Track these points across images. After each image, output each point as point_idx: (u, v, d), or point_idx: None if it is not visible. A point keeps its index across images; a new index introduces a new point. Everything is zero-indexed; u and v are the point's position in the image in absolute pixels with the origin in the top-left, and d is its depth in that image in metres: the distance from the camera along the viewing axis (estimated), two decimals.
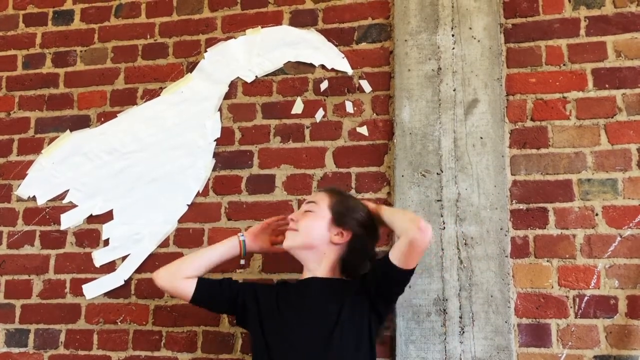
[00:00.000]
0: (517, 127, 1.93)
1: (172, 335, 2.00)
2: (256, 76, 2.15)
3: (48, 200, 2.20)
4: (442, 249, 1.84)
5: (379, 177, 1.98)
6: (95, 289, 2.08)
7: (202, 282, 1.63)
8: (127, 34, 2.30)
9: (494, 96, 1.91)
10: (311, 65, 2.11)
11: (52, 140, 2.25)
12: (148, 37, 2.28)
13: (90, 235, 2.14)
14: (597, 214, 1.83)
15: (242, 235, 1.70)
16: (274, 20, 2.19)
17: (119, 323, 2.05)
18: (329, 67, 2.09)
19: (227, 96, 2.16)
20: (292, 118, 2.09)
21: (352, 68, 2.07)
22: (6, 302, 2.14)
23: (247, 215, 2.04)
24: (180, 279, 1.62)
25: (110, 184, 2.16)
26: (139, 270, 2.07)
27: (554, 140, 1.90)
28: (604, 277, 1.78)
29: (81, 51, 2.32)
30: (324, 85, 2.08)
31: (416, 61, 1.99)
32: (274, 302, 1.58)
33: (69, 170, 2.21)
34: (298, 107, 2.09)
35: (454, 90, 1.94)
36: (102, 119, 2.24)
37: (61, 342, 2.07)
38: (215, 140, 2.12)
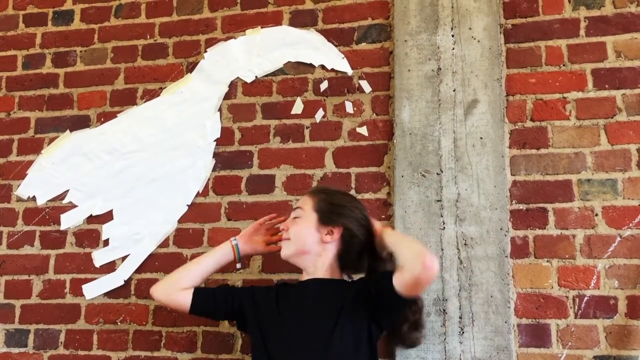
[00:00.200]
0: (517, 127, 1.93)
1: (172, 335, 2.00)
2: (256, 76, 2.15)
3: (48, 201, 2.20)
4: (442, 249, 1.84)
5: (378, 177, 1.98)
6: (95, 289, 2.08)
7: (198, 292, 1.63)
8: (127, 34, 2.30)
9: (493, 96, 1.91)
10: (311, 66, 2.11)
11: (52, 140, 2.25)
12: (148, 37, 2.28)
13: (90, 235, 2.14)
14: (596, 214, 1.83)
15: (235, 240, 1.70)
16: (274, 20, 2.19)
17: (119, 323, 2.05)
18: (329, 68, 2.09)
19: (227, 96, 2.16)
20: (292, 118, 2.09)
21: (352, 68, 2.07)
22: (6, 302, 2.14)
23: (247, 215, 2.04)
24: (177, 291, 1.62)
25: (110, 184, 2.17)
26: (138, 270, 2.07)
27: (553, 141, 1.90)
28: (604, 277, 1.78)
29: (81, 51, 2.32)
30: (323, 86, 2.08)
31: (416, 61, 1.99)
32: (274, 303, 1.58)
33: (69, 170, 2.21)
34: (298, 108, 2.09)
35: (454, 90, 1.94)
36: (102, 119, 2.24)
37: (61, 342, 2.07)
38: (215, 141, 2.12)
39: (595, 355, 1.74)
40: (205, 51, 2.20)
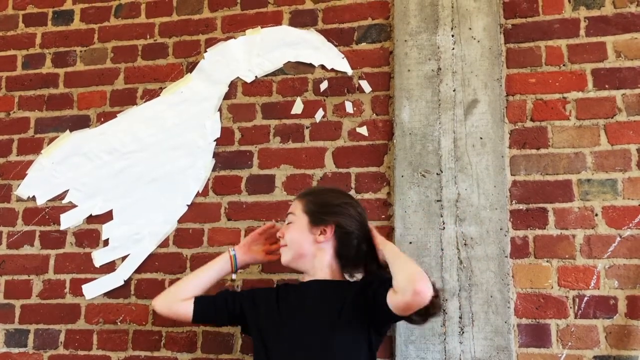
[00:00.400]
0: (517, 127, 1.93)
1: (171, 335, 2.00)
2: (256, 76, 2.15)
3: (48, 200, 2.20)
4: (442, 249, 1.84)
5: (378, 177, 1.98)
6: (94, 289, 2.08)
7: (199, 300, 1.64)
8: (127, 34, 2.30)
9: (493, 96, 1.91)
10: (311, 66, 2.11)
11: (51, 140, 2.25)
12: (148, 37, 2.28)
13: (90, 235, 2.14)
14: (596, 215, 1.83)
15: (233, 250, 1.71)
16: (274, 20, 2.19)
17: (119, 323, 2.05)
18: (329, 68, 2.09)
19: (227, 96, 2.16)
20: (291, 118, 2.09)
21: (352, 68, 2.07)
22: (6, 303, 2.14)
23: (247, 215, 2.04)
24: (178, 302, 1.64)
25: (110, 184, 2.17)
26: (138, 270, 2.07)
27: (553, 141, 1.90)
28: (604, 277, 1.78)
29: (81, 51, 2.32)
30: (323, 86, 2.08)
31: (416, 61, 1.99)
32: (274, 304, 1.58)
33: (69, 170, 2.21)
34: (298, 108, 2.09)
35: (454, 90, 1.94)
36: (102, 119, 2.24)
37: (61, 342, 2.07)
38: (215, 141, 2.12)
39: (595, 355, 1.74)
40: (205, 51, 2.20)
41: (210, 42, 2.21)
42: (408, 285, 1.35)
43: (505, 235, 1.82)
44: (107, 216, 2.14)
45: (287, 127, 2.09)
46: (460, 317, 1.78)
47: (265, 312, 1.57)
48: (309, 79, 2.11)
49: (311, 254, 1.57)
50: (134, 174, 2.16)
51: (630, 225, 1.80)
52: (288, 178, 2.04)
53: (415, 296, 1.33)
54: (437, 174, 1.90)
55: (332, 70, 2.09)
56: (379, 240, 1.59)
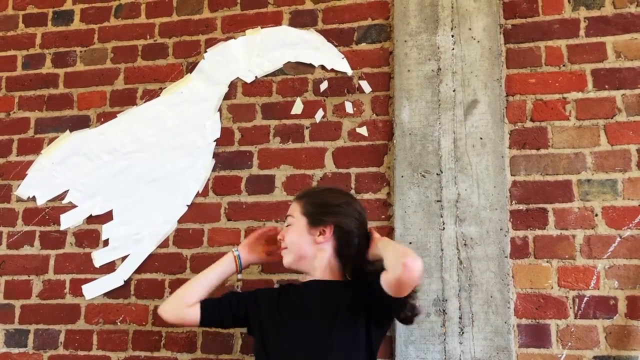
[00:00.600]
0: (517, 127, 1.93)
1: (171, 335, 2.00)
2: (256, 76, 2.15)
3: (48, 201, 2.20)
4: (442, 250, 1.84)
5: (378, 177, 1.98)
6: (94, 289, 2.08)
7: (205, 304, 1.63)
8: (127, 34, 2.30)
9: (493, 97, 1.91)
10: (311, 66, 2.11)
11: (51, 140, 2.25)
12: (148, 37, 2.28)
13: (90, 235, 2.14)
14: (596, 215, 1.83)
15: (237, 251, 1.69)
16: (274, 20, 2.19)
17: (119, 323, 2.05)
18: (329, 68, 2.09)
19: (227, 96, 2.16)
20: (291, 118, 2.09)
21: (352, 68, 2.07)
22: (6, 303, 2.14)
23: (247, 215, 2.04)
24: (185, 308, 1.62)
25: (110, 184, 2.17)
26: (138, 270, 2.07)
27: (553, 141, 1.90)
28: (604, 277, 1.78)
29: (81, 51, 2.32)
30: (323, 86, 2.08)
31: (416, 62, 1.99)
32: (274, 304, 1.58)
33: (69, 170, 2.21)
34: (298, 108, 2.09)
35: (454, 90, 1.94)
36: (102, 119, 2.24)
37: (61, 342, 2.07)
38: (215, 141, 2.12)
39: (595, 355, 1.74)
40: (205, 51, 2.20)
41: (210, 43, 2.21)
42: (397, 261, 1.36)
43: (505, 236, 1.82)
44: (107, 216, 2.14)
45: (287, 127, 2.09)
46: (460, 318, 1.78)
47: (266, 312, 1.58)
48: (309, 79, 2.11)
49: (311, 255, 1.57)
50: (134, 174, 2.16)
51: (630, 225, 1.80)
52: (288, 178, 2.04)
53: (405, 270, 1.33)
54: (437, 174, 1.90)
55: (332, 70, 2.09)
56: (376, 236, 1.59)
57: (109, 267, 2.09)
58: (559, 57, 1.95)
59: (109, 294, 2.07)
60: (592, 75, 1.92)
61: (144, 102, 2.22)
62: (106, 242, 2.12)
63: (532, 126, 1.92)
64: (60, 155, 2.23)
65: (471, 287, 1.80)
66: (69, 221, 2.16)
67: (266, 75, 2.14)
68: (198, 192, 2.09)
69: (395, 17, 2.05)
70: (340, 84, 2.07)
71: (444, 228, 1.85)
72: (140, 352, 2.01)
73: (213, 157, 2.11)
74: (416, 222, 1.87)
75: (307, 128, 2.07)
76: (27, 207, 2.21)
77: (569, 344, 1.76)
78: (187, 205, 2.09)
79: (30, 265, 2.16)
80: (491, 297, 1.78)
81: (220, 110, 2.15)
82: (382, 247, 1.50)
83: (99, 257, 2.11)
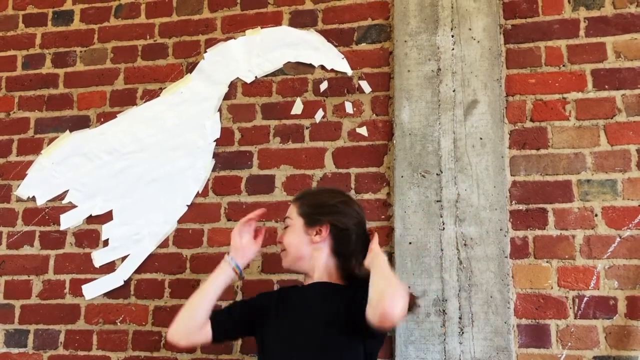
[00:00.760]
0: (517, 127, 1.93)
1: None
2: (256, 77, 2.15)
3: (48, 201, 2.20)
4: (442, 250, 1.84)
5: (378, 177, 1.98)
6: (94, 290, 2.08)
7: (215, 323, 1.58)
8: (127, 34, 2.30)
9: (493, 97, 1.91)
10: (311, 66, 2.11)
11: (51, 140, 2.25)
12: (148, 37, 2.28)
13: (89, 235, 2.14)
14: (596, 215, 1.83)
15: (232, 260, 1.61)
16: (274, 20, 2.19)
17: (119, 323, 2.05)
18: (329, 68, 2.09)
19: (227, 97, 2.16)
20: (291, 118, 2.09)
21: (352, 69, 2.07)
22: (6, 303, 2.14)
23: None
24: (196, 332, 1.57)
25: (110, 184, 2.17)
26: (138, 270, 2.07)
27: (553, 141, 1.90)
28: (604, 277, 1.78)
29: (81, 51, 2.32)
30: (323, 86, 2.08)
31: (416, 62, 1.99)
32: (274, 306, 1.58)
33: (69, 170, 2.21)
34: (298, 108, 2.09)
35: (454, 91, 1.94)
36: (102, 119, 2.24)
37: (60, 342, 2.07)
38: (214, 141, 2.12)
39: (595, 355, 1.74)
40: (205, 51, 2.20)
41: (210, 43, 2.21)
42: (377, 305, 1.31)
43: (505, 236, 1.82)
44: (107, 216, 2.14)
45: (287, 127, 2.09)
46: (460, 318, 1.79)
47: (266, 315, 1.58)
48: (309, 79, 2.11)
49: (309, 255, 1.57)
50: (134, 174, 2.16)
51: (630, 225, 1.80)
52: (288, 178, 2.04)
53: (382, 318, 1.29)
54: (437, 174, 1.90)
55: (332, 70, 2.09)
56: (374, 246, 1.53)
57: (109, 267, 2.09)
58: (559, 57, 1.95)
59: (109, 294, 2.07)
60: (592, 75, 1.92)
61: (144, 102, 2.22)
62: (106, 242, 2.12)
63: (532, 126, 1.92)
64: (60, 155, 2.23)
65: (471, 287, 1.80)
66: (69, 221, 2.16)
67: (266, 76, 2.14)
68: (198, 192, 2.09)
69: (395, 17, 2.05)
70: (340, 84, 2.07)
71: (443, 228, 1.85)
72: (140, 352, 2.01)
73: (213, 157, 2.11)
74: (416, 222, 1.87)
75: (307, 128, 2.07)
76: (27, 207, 2.21)
77: (569, 344, 1.76)
78: (187, 206, 2.09)
79: (30, 265, 2.16)
80: (491, 297, 1.78)
81: (220, 110, 2.15)
82: (372, 268, 1.43)
83: (99, 257, 2.11)
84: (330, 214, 1.57)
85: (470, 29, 1.98)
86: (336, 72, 2.09)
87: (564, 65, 1.95)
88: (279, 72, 2.14)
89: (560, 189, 1.86)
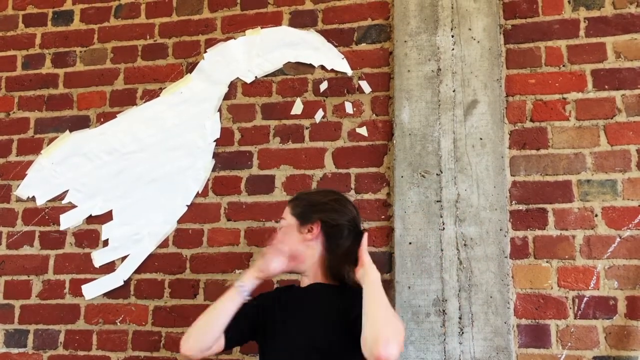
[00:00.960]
0: (517, 128, 1.93)
1: (171, 335, 2.00)
2: (256, 77, 2.15)
3: (47, 201, 2.20)
4: (442, 250, 1.84)
5: (378, 177, 1.98)
6: (94, 290, 2.08)
7: (227, 332, 1.55)
8: (127, 34, 2.30)
9: (493, 97, 1.91)
10: (311, 66, 2.11)
11: (51, 140, 2.25)
12: (148, 37, 2.28)
13: (89, 235, 2.14)
14: (596, 215, 1.83)
15: (245, 292, 1.54)
16: (274, 20, 2.19)
17: (118, 323, 2.05)
18: (329, 68, 2.09)
19: (227, 97, 2.16)
20: (291, 119, 2.09)
21: (352, 69, 2.07)
22: (5, 303, 2.14)
23: (247, 215, 2.04)
24: (211, 346, 1.54)
25: (109, 184, 2.16)
26: (138, 270, 2.07)
27: (553, 141, 1.90)
28: (604, 277, 1.78)
29: (81, 51, 2.32)
30: (323, 86, 2.08)
31: (416, 62, 1.99)
32: (274, 307, 1.58)
33: (69, 170, 2.21)
34: (297, 108, 2.09)
35: (454, 91, 1.94)
36: (102, 120, 2.24)
37: (60, 342, 2.07)
38: (214, 141, 2.12)
39: (594, 355, 1.74)
40: (205, 51, 2.20)
41: (210, 43, 2.21)
42: (372, 347, 1.31)
43: (505, 236, 1.82)
44: (107, 216, 2.14)
45: (287, 127, 2.09)
46: (460, 318, 1.78)
47: (268, 316, 1.58)
48: (309, 79, 2.11)
49: (303, 254, 1.57)
50: (134, 174, 2.15)
51: (630, 225, 1.80)
52: (288, 178, 2.04)
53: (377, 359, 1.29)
54: (436, 174, 1.90)
55: (332, 70, 2.09)
56: (365, 258, 1.49)
57: (109, 267, 2.09)
58: (558, 57, 1.95)
59: (109, 294, 2.07)
60: (592, 75, 1.92)
61: (144, 102, 2.22)
62: (106, 242, 2.12)
63: (532, 126, 1.92)
64: (60, 155, 2.23)
65: (471, 287, 1.80)
66: (69, 221, 2.16)
67: (266, 76, 2.14)
68: (198, 192, 2.09)
69: (395, 18, 2.05)
70: (340, 84, 2.07)
71: (443, 228, 1.85)
72: (139, 352, 2.01)
73: (213, 157, 2.11)
74: (416, 222, 1.87)
75: (307, 128, 2.07)
76: (27, 207, 2.21)
77: (569, 344, 1.76)
78: (187, 206, 2.09)
79: (30, 265, 2.15)
80: (491, 297, 1.78)
81: (220, 110, 2.15)
82: (364, 287, 1.42)
83: (99, 257, 2.11)
84: (322, 211, 1.58)
85: (470, 29, 1.98)
86: (336, 72, 2.09)
87: (564, 66, 1.95)
88: (279, 72, 2.14)
89: (560, 189, 1.86)
